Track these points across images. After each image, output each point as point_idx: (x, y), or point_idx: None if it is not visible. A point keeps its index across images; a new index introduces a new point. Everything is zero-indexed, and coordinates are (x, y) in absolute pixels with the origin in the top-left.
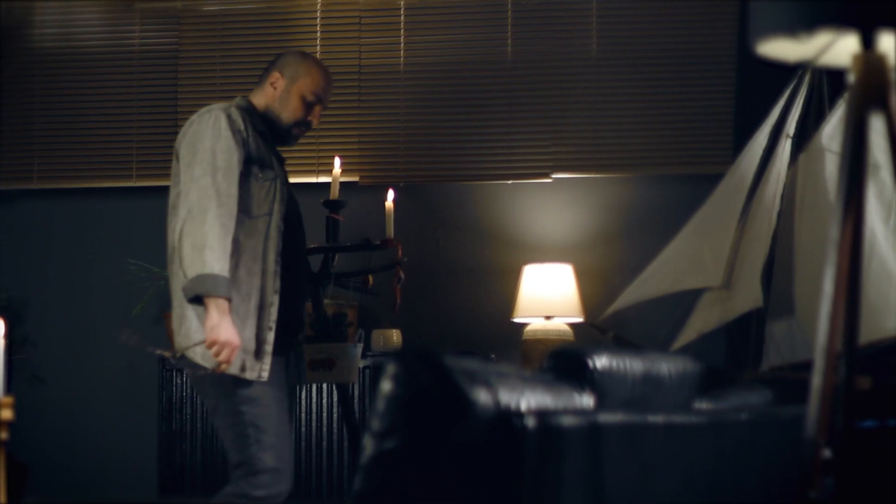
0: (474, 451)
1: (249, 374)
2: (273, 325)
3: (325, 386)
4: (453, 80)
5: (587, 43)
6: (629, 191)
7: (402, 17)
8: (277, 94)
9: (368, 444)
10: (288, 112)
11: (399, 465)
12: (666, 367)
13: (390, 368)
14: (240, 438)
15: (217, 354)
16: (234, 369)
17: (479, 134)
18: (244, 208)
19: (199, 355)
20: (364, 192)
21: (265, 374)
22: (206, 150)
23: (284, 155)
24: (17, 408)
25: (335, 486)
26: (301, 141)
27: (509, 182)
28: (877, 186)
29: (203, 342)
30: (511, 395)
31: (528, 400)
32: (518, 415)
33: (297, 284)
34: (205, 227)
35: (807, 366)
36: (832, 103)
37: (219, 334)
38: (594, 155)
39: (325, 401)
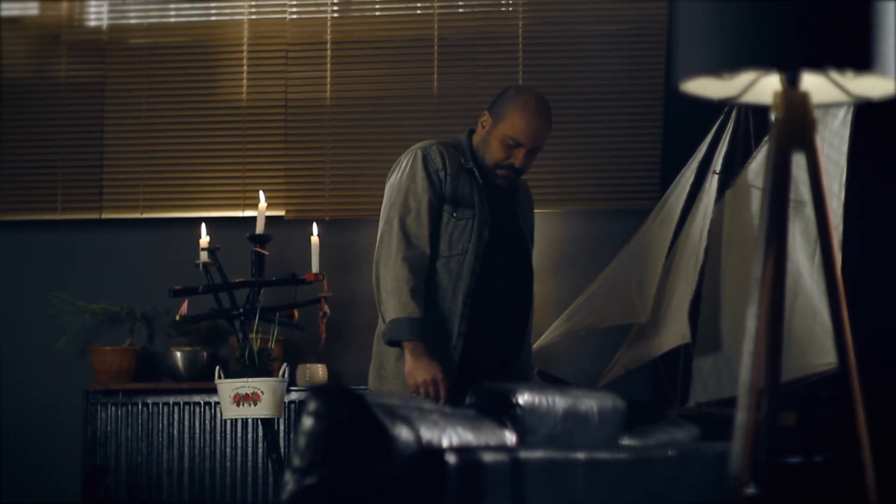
0: (396, 488)
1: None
2: (453, 369)
3: (250, 421)
4: (380, 115)
5: (513, 78)
6: (556, 226)
7: (329, 52)
8: (483, 134)
9: (289, 480)
10: (489, 154)
11: (320, 501)
12: (591, 403)
13: (311, 404)
14: None
15: (425, 395)
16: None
17: None
18: (437, 248)
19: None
20: (290, 226)
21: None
22: (402, 191)
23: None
24: None
25: None
26: (226, 174)
27: None
28: (802, 223)
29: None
30: (433, 431)
31: (449, 436)
32: (440, 451)
33: (491, 325)
34: (395, 270)
35: (734, 402)
36: (758, 140)
37: (415, 377)
38: None
39: (250, 436)
